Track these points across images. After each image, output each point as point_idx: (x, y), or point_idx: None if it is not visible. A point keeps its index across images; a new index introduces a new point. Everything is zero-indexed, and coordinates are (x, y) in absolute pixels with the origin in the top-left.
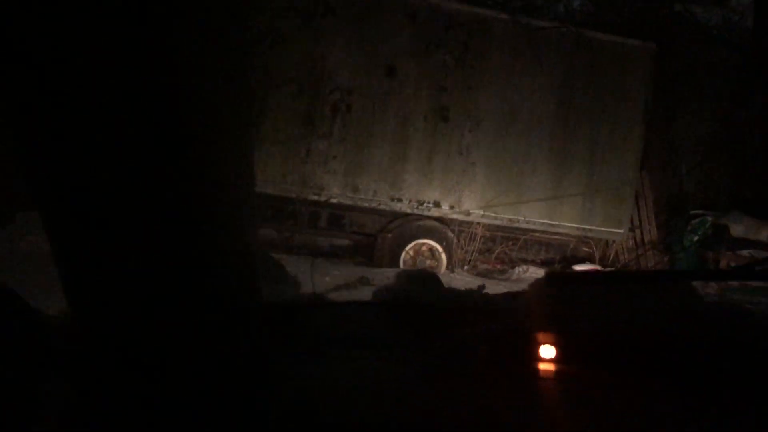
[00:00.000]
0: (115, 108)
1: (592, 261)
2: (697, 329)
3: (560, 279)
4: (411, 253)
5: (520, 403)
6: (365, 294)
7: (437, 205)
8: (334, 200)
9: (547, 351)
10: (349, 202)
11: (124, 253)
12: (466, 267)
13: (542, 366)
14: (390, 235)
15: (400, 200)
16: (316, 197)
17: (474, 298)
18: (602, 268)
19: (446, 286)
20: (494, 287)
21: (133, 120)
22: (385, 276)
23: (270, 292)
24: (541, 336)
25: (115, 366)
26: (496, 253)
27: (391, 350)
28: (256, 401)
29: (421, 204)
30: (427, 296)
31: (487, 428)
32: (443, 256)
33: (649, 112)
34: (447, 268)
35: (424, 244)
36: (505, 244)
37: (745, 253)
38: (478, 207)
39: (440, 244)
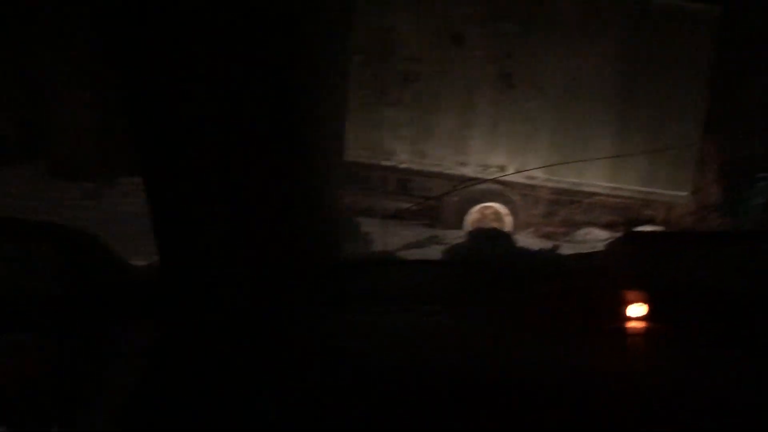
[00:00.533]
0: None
1: (654, 223)
2: None
3: (641, 239)
4: (476, 215)
5: (608, 361)
6: (435, 253)
7: (502, 169)
8: (402, 165)
9: (636, 309)
10: (416, 167)
11: (219, 208)
12: (530, 230)
13: (631, 324)
14: (456, 199)
15: (465, 165)
16: (386, 162)
17: (546, 257)
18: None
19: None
20: (560, 249)
21: (243, 99)
22: (455, 235)
23: (346, 249)
24: (628, 294)
25: (197, 310)
26: (561, 215)
27: (460, 306)
28: (320, 347)
29: (487, 168)
30: (498, 254)
31: (574, 386)
32: (507, 219)
33: (711, 75)
34: (511, 230)
35: (488, 207)
36: (568, 207)
37: None
38: (543, 171)
39: (505, 207)
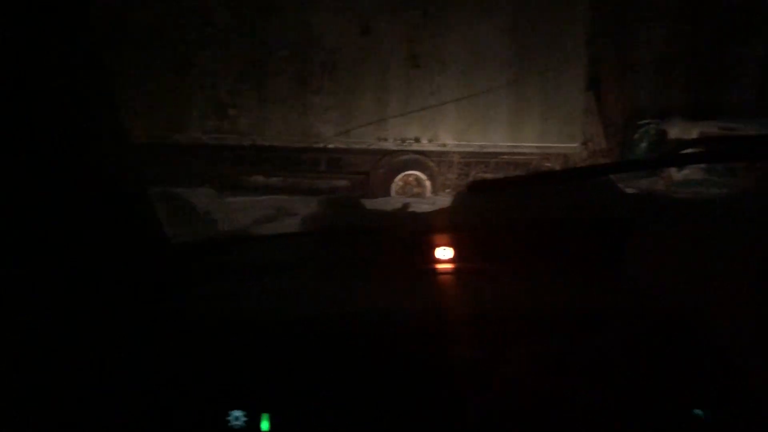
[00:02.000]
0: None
1: None
2: (596, 216)
3: (483, 185)
4: (400, 183)
5: (413, 297)
6: (288, 225)
7: (417, 140)
8: (331, 145)
9: (444, 252)
10: (343, 145)
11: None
12: (448, 191)
13: (438, 266)
14: (381, 171)
15: (385, 140)
16: (315, 144)
17: (398, 217)
18: None
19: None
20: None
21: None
22: (306, 206)
23: (181, 232)
24: (437, 238)
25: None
26: (472, 175)
27: (301, 272)
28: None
29: (404, 141)
30: (348, 221)
31: (377, 322)
32: (428, 183)
33: (590, 37)
34: (432, 193)
35: (410, 175)
36: (478, 168)
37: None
38: (452, 138)
39: (424, 173)
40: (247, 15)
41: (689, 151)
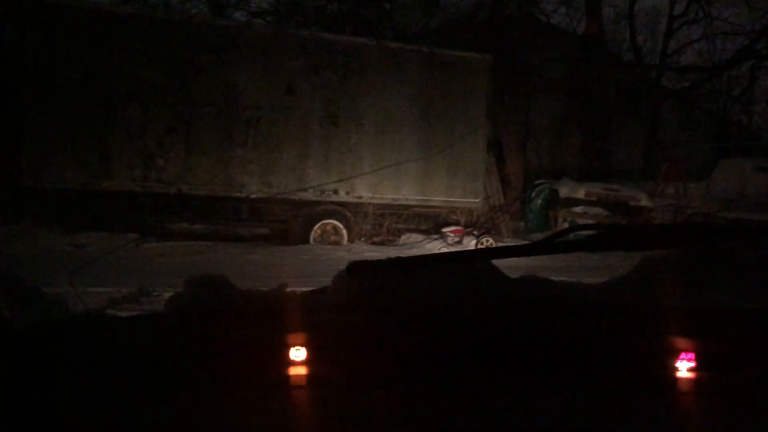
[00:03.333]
0: None
1: (458, 224)
2: (473, 303)
3: (362, 267)
4: (319, 231)
5: (268, 416)
6: (151, 305)
7: (335, 192)
8: (253, 195)
9: (297, 353)
10: (265, 195)
11: None
12: (363, 239)
13: (292, 371)
14: (300, 219)
15: (305, 191)
16: (238, 194)
17: (271, 299)
18: (466, 229)
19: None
20: (383, 254)
21: None
22: (170, 284)
23: (27, 315)
24: (291, 337)
25: None
26: (385, 225)
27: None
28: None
29: (323, 192)
30: (217, 301)
31: None
32: (344, 232)
33: (490, 107)
34: (348, 240)
35: (328, 223)
36: (391, 218)
37: (578, 209)
38: (368, 191)
39: (341, 222)
40: (174, 73)
41: (566, 238)
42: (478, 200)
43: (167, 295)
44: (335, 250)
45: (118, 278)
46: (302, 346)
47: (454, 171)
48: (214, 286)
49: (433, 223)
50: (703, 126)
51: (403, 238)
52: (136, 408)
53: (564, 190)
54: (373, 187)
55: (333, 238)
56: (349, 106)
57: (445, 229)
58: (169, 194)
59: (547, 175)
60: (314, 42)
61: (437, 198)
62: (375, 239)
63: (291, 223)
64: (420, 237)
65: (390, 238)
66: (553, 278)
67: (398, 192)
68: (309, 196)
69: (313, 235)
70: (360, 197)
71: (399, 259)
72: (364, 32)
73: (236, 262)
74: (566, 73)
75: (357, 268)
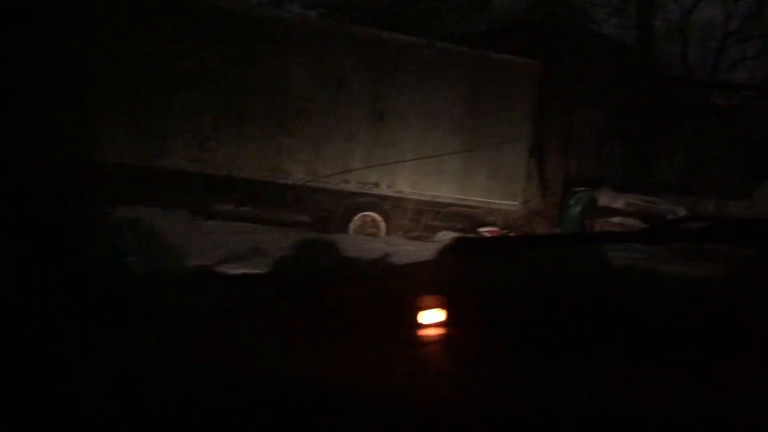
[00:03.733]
0: None
1: (495, 226)
2: (603, 292)
3: (467, 243)
4: (358, 222)
5: (396, 369)
6: (259, 264)
7: (377, 185)
8: (298, 183)
9: (433, 315)
10: (309, 184)
11: None
12: (400, 233)
13: (426, 331)
14: (341, 209)
15: (348, 182)
16: (284, 181)
17: (375, 266)
18: (503, 231)
19: (347, 253)
20: (419, 249)
21: None
22: (279, 246)
23: (152, 265)
24: (426, 300)
25: None
26: (422, 222)
27: (260, 318)
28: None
29: (365, 185)
30: (321, 265)
31: (357, 395)
32: (383, 224)
33: (534, 112)
34: (386, 233)
35: (367, 215)
36: (429, 215)
37: (615, 219)
38: (408, 186)
39: (380, 215)
40: (231, 61)
41: (688, 227)
42: (516, 203)
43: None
44: (373, 241)
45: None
46: (440, 308)
47: (494, 172)
48: (325, 249)
49: (469, 222)
50: (748, 145)
51: (439, 235)
52: (264, 359)
53: (603, 199)
54: (413, 183)
55: (371, 230)
56: (395, 102)
57: (481, 229)
58: (219, 176)
59: (586, 183)
60: (367, 38)
61: (476, 198)
62: (411, 234)
63: (332, 212)
64: (456, 235)
65: (426, 234)
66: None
67: (438, 189)
68: (351, 187)
69: (352, 225)
70: (400, 192)
71: (510, 237)
72: (413, 31)
73: (280, 245)
74: (613, 83)
75: (462, 244)
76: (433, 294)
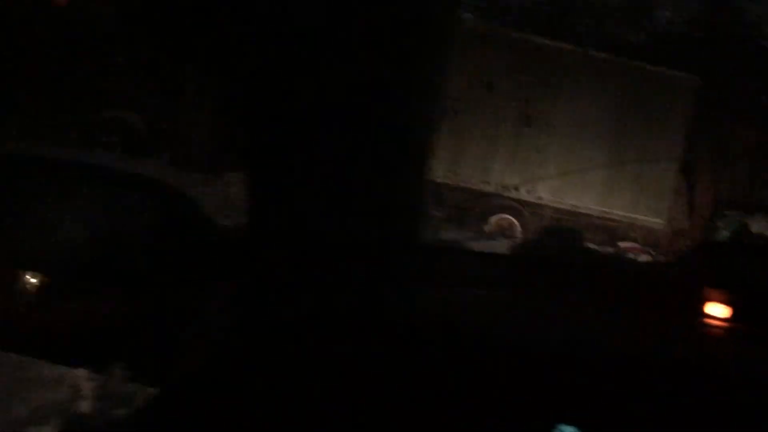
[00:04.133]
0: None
1: (635, 242)
2: None
3: (718, 248)
4: (493, 224)
5: (684, 348)
6: (502, 245)
7: (516, 189)
8: (438, 180)
9: (717, 309)
10: (450, 182)
11: (314, 187)
12: (535, 238)
13: (711, 322)
14: (478, 209)
15: (488, 183)
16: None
17: (610, 260)
18: (643, 248)
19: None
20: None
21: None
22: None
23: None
24: (712, 293)
25: (282, 271)
26: (558, 232)
27: (537, 293)
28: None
29: (505, 187)
30: (568, 252)
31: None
32: (518, 228)
33: (688, 129)
34: (520, 237)
35: (504, 218)
36: (567, 224)
37: None
38: (548, 194)
39: (517, 219)
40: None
41: None
42: (661, 220)
43: None
44: (509, 244)
45: None
46: (724, 303)
47: (640, 187)
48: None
49: (608, 236)
50: None
51: None
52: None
53: (756, 226)
54: (554, 190)
55: (506, 233)
56: (544, 108)
57: (621, 244)
58: None
59: (739, 208)
60: (520, 42)
61: (618, 211)
62: None
63: (468, 211)
64: (594, 247)
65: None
66: None
67: (579, 199)
68: (490, 188)
69: (487, 226)
70: (540, 198)
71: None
72: (569, 37)
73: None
74: None
75: (712, 248)
76: (718, 288)
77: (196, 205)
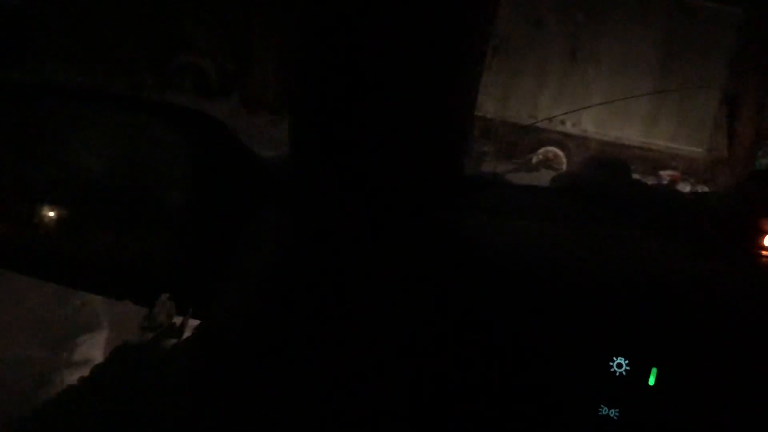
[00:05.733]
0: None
1: (676, 170)
2: None
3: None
4: (540, 156)
5: (745, 283)
6: (544, 177)
7: (562, 123)
8: (489, 116)
9: None
10: (499, 117)
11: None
12: (579, 169)
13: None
14: (527, 142)
15: (535, 117)
16: (476, 113)
17: (658, 192)
18: (683, 176)
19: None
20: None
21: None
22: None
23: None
24: (765, 223)
25: (328, 206)
26: (602, 161)
27: (581, 225)
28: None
29: (551, 121)
30: (615, 187)
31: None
32: (564, 160)
33: (732, 61)
34: (566, 169)
35: (550, 150)
36: (611, 155)
37: None
38: (593, 126)
39: (563, 151)
40: None
41: None
42: (701, 149)
43: None
44: (554, 173)
45: None
46: None
47: (681, 119)
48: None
49: (650, 166)
50: None
51: None
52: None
53: None
54: (599, 122)
55: (553, 164)
56: (589, 43)
57: (662, 172)
58: None
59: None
60: None
61: (660, 142)
62: None
63: (516, 144)
64: (637, 176)
65: None
66: None
67: (622, 131)
68: (537, 122)
69: (535, 158)
70: (585, 131)
71: None
72: None
73: None
74: None
75: (759, 177)
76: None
77: (235, 138)
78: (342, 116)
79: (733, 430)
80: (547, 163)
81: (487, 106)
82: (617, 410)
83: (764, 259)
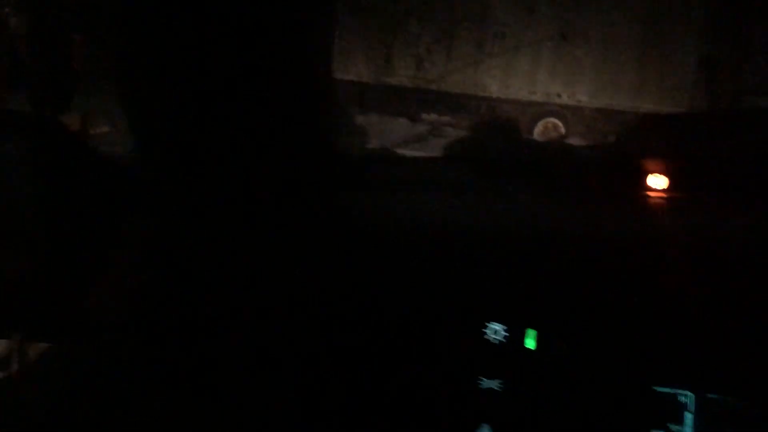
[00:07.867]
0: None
1: None
2: None
3: (657, 119)
4: (541, 127)
5: (630, 228)
6: (437, 146)
7: (558, 96)
8: (493, 95)
9: (657, 180)
10: (502, 96)
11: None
12: (577, 136)
13: (652, 195)
14: (527, 116)
15: (535, 93)
16: (482, 93)
17: (551, 146)
18: None
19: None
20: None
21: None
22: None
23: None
24: (649, 164)
25: (196, 201)
26: (597, 128)
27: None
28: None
29: (548, 95)
30: (501, 147)
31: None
32: (562, 129)
33: (708, 26)
34: (565, 135)
35: (549, 121)
36: (605, 122)
37: None
38: (586, 96)
39: (561, 121)
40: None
41: None
42: (683, 110)
43: None
44: (556, 142)
45: None
46: (663, 174)
47: (664, 83)
48: (500, 132)
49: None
50: None
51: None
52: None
53: None
54: (590, 93)
55: (552, 134)
56: (578, 23)
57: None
58: (429, 90)
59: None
60: None
61: (647, 105)
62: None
63: (520, 119)
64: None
65: None
66: None
67: (612, 99)
68: (537, 98)
69: (536, 129)
70: (579, 101)
71: (693, 114)
72: None
73: None
74: None
75: (650, 119)
76: (658, 159)
77: (85, 144)
78: (176, 107)
79: (624, 387)
80: (548, 133)
81: (491, 87)
82: (500, 381)
83: (648, 200)
